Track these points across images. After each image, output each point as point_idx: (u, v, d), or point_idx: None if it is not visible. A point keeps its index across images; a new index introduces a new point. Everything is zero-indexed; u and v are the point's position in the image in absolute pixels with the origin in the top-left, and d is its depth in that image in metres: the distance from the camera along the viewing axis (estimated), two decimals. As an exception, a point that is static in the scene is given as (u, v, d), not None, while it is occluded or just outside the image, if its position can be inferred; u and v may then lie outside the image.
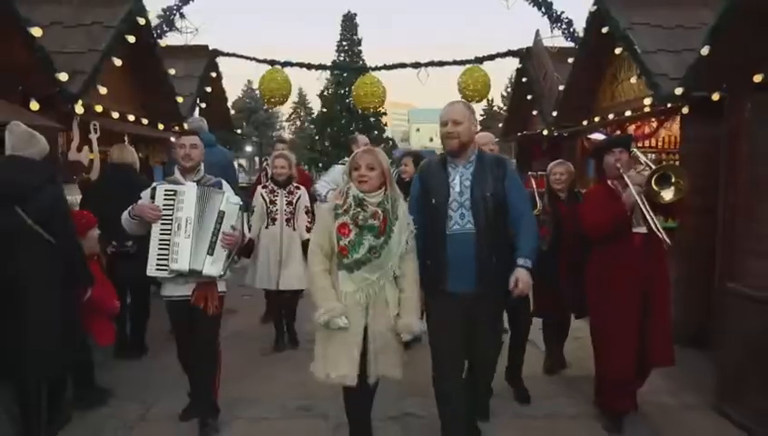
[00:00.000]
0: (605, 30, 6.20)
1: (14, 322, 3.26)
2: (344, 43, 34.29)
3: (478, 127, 3.17)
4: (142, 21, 6.28)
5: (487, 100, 33.07)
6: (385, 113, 31.49)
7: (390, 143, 37.19)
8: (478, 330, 3.13)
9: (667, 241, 3.33)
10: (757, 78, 4.29)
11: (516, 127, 10.40)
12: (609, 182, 3.65)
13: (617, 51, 6.19)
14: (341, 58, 33.97)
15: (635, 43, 5.65)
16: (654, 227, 3.36)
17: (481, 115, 48.78)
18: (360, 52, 34.34)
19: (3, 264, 3.21)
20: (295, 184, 5.15)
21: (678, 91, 4.83)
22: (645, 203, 3.38)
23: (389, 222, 2.89)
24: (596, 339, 3.74)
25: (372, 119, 31.15)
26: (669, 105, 5.29)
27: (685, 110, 5.13)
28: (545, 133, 8.40)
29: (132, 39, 6.03)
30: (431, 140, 77.10)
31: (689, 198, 4.63)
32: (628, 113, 6.26)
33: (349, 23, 34.42)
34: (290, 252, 5.00)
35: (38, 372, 3.40)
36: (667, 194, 3.40)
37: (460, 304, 3.03)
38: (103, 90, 5.44)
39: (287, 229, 4.98)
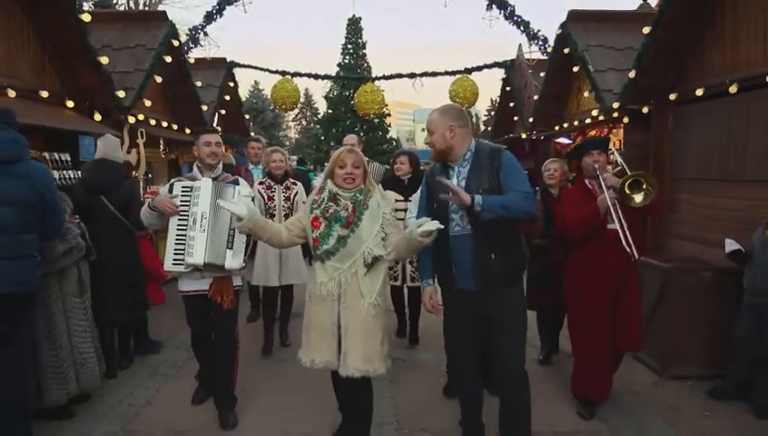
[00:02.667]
0: (566, 51, 7.31)
1: (98, 285, 4.39)
2: (349, 46, 35.35)
3: (459, 129, 2.94)
4: (176, 43, 7.44)
5: (492, 102, 34.12)
6: (388, 114, 32.53)
7: (394, 143, 38.27)
8: (493, 333, 3.03)
9: (635, 254, 3.45)
10: (672, 97, 5.40)
11: (504, 130, 11.51)
12: (587, 181, 3.76)
13: (575, 69, 7.28)
14: (346, 60, 35.06)
15: (588, 62, 6.77)
16: (623, 237, 3.46)
17: (485, 116, 49.98)
18: (365, 55, 35.37)
19: (95, 241, 4.33)
20: (291, 180, 5.08)
21: (615, 105, 5.94)
22: (618, 206, 3.53)
23: (358, 212, 2.94)
24: (572, 328, 3.94)
25: (376, 120, 32.18)
26: (615, 115, 6.38)
27: (626, 120, 6.23)
28: (523, 136, 9.51)
29: (168, 59, 7.18)
30: (436, 139, 77.72)
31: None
32: (588, 121, 7.36)
33: (354, 26, 35.49)
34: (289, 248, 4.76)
35: (113, 323, 4.54)
36: (638, 198, 3.58)
37: (471, 302, 2.99)
38: (147, 103, 6.60)
39: None
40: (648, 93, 5.65)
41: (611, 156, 3.95)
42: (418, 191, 4.19)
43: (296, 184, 5.03)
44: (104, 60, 5.50)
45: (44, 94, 5.04)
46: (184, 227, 3.48)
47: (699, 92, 4.95)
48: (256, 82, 44.36)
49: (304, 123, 49.10)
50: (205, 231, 3.43)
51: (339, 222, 2.93)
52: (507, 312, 3.00)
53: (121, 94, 5.84)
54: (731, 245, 4.15)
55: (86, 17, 5.11)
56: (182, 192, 3.53)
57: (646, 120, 5.93)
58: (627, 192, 3.55)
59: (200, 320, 3.74)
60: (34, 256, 3.16)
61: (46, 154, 5.12)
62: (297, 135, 46.76)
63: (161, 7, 18.89)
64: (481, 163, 2.93)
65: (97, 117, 5.82)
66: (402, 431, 3.65)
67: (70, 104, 5.48)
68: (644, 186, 3.57)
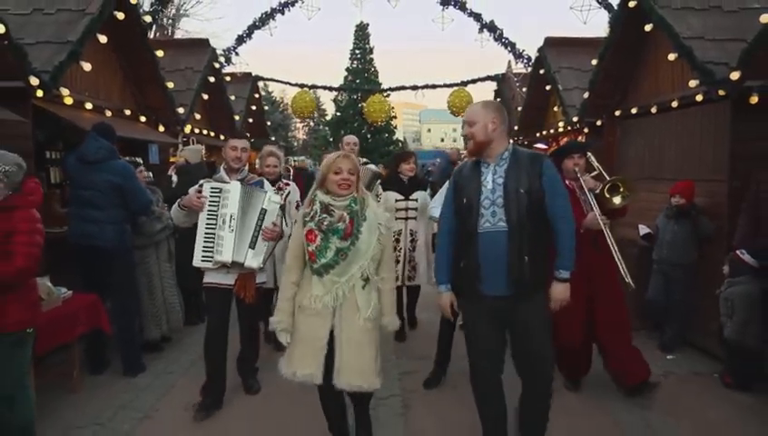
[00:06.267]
0: (542, 71, 8.74)
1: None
2: (357, 51, 36.82)
3: (500, 125, 2.92)
4: (216, 65, 8.94)
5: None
6: (394, 117, 33.97)
7: (401, 144, 39.66)
8: (520, 338, 2.96)
9: (631, 284, 3.71)
10: (617, 113, 6.82)
11: (496, 135, 12.95)
12: (567, 182, 3.80)
13: (548, 87, 8.72)
14: (354, 65, 36.53)
15: (558, 82, 8.19)
16: (619, 263, 3.67)
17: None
18: (372, 60, 36.82)
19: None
20: (285, 181, 5.16)
21: (575, 118, 7.37)
22: (608, 230, 3.71)
23: (356, 224, 2.87)
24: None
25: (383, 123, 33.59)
26: (578, 126, 7.81)
27: (586, 130, 7.66)
28: (510, 141, 10.94)
29: (212, 79, 8.68)
30: (442, 140, 78.88)
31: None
32: (560, 130, 8.79)
33: (361, 32, 36.93)
34: (283, 247, 4.85)
35: (187, 285, 5.98)
36: (617, 200, 3.83)
37: (495, 308, 2.91)
38: (197, 116, 8.09)
39: None
40: (600, 109, 7.06)
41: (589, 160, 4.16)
42: (445, 184, 4.42)
43: (288, 185, 5.12)
44: (170, 84, 6.99)
45: (128, 112, 6.52)
46: (213, 226, 3.68)
47: (634, 110, 6.38)
48: (265, 85, 45.82)
49: (312, 124, 50.61)
50: (234, 231, 3.64)
51: (337, 235, 2.85)
52: (533, 315, 2.92)
53: (180, 110, 7.33)
54: (643, 229, 5.58)
55: (160, 53, 6.60)
56: (211, 193, 3.73)
57: (601, 130, 7.35)
58: (607, 196, 3.82)
59: (220, 311, 3.89)
60: (117, 224, 4.54)
61: (139, 159, 6.61)
62: (305, 136, 48.09)
63: (183, 21, 20.44)
64: (521, 164, 2.88)
65: (160, 129, 7.31)
66: (401, 360, 5.04)
67: (142, 118, 6.95)
68: (621, 189, 3.83)
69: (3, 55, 4.15)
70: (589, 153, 4.10)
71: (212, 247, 3.67)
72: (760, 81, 4.27)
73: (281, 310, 3.01)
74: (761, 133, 4.27)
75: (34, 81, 4.38)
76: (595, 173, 4.04)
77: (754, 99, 4.34)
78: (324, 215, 2.88)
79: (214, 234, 3.68)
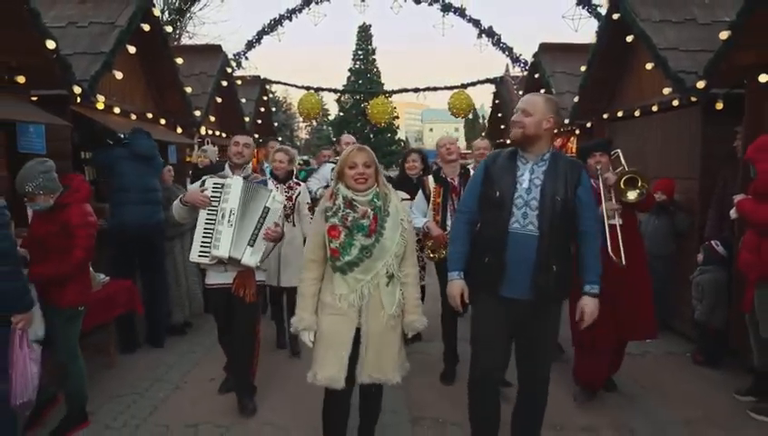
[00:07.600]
0: (537, 75, 9.23)
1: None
2: (360, 52, 37.40)
3: (554, 125, 2.87)
4: (229, 69, 9.44)
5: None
6: (397, 117, 34.48)
7: (403, 144, 40.19)
8: (528, 345, 2.96)
9: (622, 261, 3.59)
10: (605, 116, 7.31)
11: (494, 136, 13.44)
12: (592, 182, 3.66)
13: (542, 91, 9.19)
14: (357, 66, 37.09)
15: (552, 86, 8.67)
16: (610, 246, 3.57)
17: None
18: (374, 60, 37.41)
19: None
20: (295, 180, 5.10)
21: (567, 120, 7.86)
22: (617, 217, 3.68)
23: (380, 220, 2.80)
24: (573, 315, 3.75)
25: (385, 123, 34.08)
26: (570, 128, 8.30)
27: (577, 131, 8.14)
28: (507, 142, 11.42)
29: (224, 83, 9.19)
30: (443, 139, 79.16)
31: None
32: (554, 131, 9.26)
33: (364, 33, 37.50)
34: (290, 247, 4.86)
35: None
36: (632, 195, 3.72)
37: (510, 311, 2.86)
38: (212, 118, 8.59)
39: (287, 224, 4.72)
40: (589, 112, 7.56)
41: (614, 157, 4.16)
42: (419, 193, 4.46)
43: (299, 185, 5.09)
44: (188, 88, 7.50)
45: (150, 115, 7.02)
46: (213, 221, 3.62)
47: (620, 113, 6.87)
48: (269, 86, 46.19)
49: (315, 124, 51.05)
50: (233, 226, 3.57)
51: (362, 231, 2.77)
52: (547, 326, 2.93)
53: (197, 113, 7.83)
54: (627, 222, 6.04)
55: (179, 60, 7.10)
56: (213, 188, 3.69)
57: (591, 132, 7.83)
58: (623, 187, 3.77)
59: (224, 313, 3.84)
60: (157, 206, 5.22)
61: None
62: (307, 136, 48.55)
63: (190, 24, 20.91)
64: (559, 170, 2.80)
65: (179, 130, 7.81)
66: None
67: (162, 121, 7.45)
68: (639, 184, 3.75)
69: (50, 67, 4.65)
70: (618, 151, 4.13)
71: (210, 242, 3.61)
72: (725, 89, 4.77)
73: (303, 308, 2.90)
74: (727, 136, 4.75)
75: (77, 89, 4.89)
76: (619, 169, 4.03)
77: (720, 105, 4.85)
78: (348, 211, 2.80)
79: (213, 229, 3.62)
